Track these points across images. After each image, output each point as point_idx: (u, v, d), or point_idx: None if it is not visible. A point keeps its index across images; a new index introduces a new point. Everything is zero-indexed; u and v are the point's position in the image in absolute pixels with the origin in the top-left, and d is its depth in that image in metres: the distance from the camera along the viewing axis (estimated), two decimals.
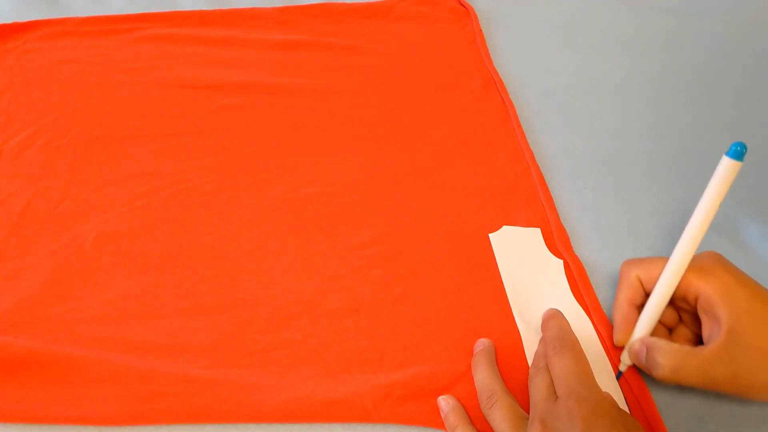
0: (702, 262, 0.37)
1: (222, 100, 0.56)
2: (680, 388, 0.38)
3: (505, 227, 0.46)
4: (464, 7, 0.67)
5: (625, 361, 0.38)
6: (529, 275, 0.44)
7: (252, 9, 0.65)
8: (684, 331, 0.39)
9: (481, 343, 0.39)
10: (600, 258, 0.45)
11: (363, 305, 0.42)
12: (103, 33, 0.62)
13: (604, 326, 0.40)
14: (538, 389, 0.35)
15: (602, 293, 0.43)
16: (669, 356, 0.35)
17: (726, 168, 0.34)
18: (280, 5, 0.66)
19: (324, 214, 0.47)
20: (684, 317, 0.39)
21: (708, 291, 0.35)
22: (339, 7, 0.66)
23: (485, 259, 0.44)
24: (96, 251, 0.44)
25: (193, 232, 0.46)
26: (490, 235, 0.46)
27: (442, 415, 0.37)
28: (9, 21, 0.62)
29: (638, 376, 0.38)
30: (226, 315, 0.41)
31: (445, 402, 0.37)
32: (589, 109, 0.57)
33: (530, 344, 0.40)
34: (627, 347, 0.38)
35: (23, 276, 0.43)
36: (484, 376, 0.37)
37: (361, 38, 0.63)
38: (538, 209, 0.48)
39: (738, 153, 0.33)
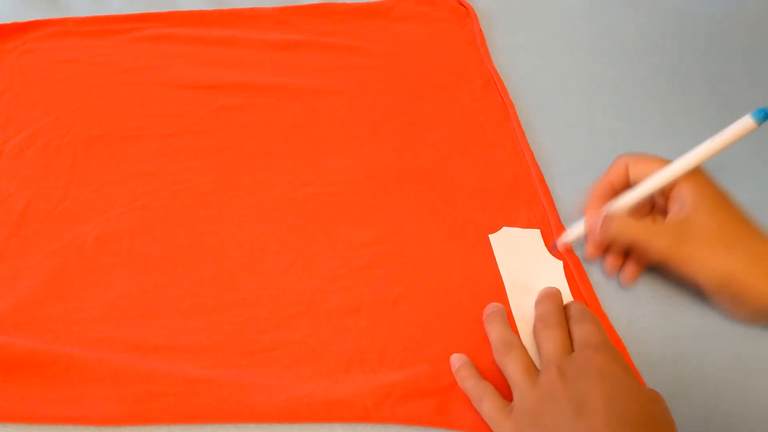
0: None
1: (222, 100, 0.56)
2: (680, 386, 0.38)
3: (504, 228, 0.46)
4: (464, 7, 0.67)
5: (570, 234, 0.43)
6: (529, 276, 0.44)
7: (252, 9, 0.65)
8: None
9: (494, 305, 0.41)
10: (600, 258, 0.45)
11: (363, 305, 0.42)
12: (103, 33, 0.62)
13: (605, 326, 0.40)
14: (551, 341, 0.36)
15: (602, 293, 0.43)
16: (621, 218, 0.40)
17: (743, 124, 0.37)
18: (280, 5, 0.66)
19: (324, 214, 0.47)
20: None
21: (682, 180, 0.39)
22: (339, 7, 0.66)
23: (485, 259, 0.44)
24: (96, 251, 0.44)
25: (193, 232, 0.46)
26: (490, 236, 0.46)
27: (453, 370, 0.38)
28: (9, 21, 0.62)
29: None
30: (226, 315, 0.41)
31: (457, 358, 0.38)
32: (589, 109, 0.57)
33: (530, 344, 0.40)
34: (581, 222, 0.43)
35: (23, 276, 0.43)
36: (500, 330, 0.39)
37: (361, 38, 0.63)
38: (538, 209, 0.48)
39: (759, 117, 0.37)
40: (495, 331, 0.39)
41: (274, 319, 0.41)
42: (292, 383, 0.37)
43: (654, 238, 0.39)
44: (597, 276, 0.44)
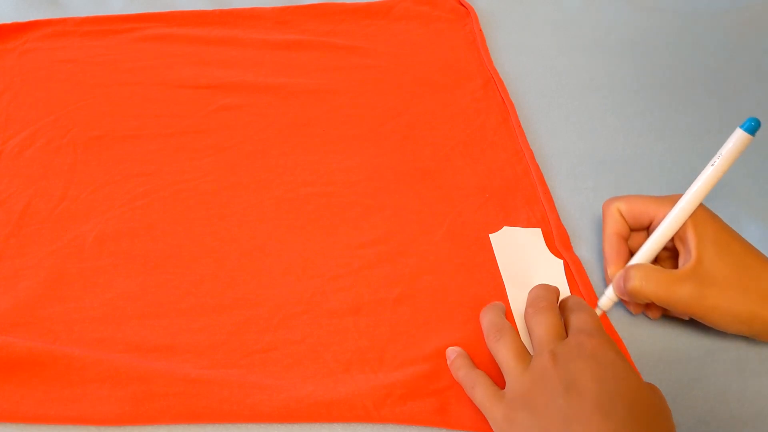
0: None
1: (222, 100, 0.56)
2: (680, 386, 0.38)
3: (505, 228, 0.46)
4: (464, 6, 0.67)
5: (604, 303, 0.41)
6: (530, 275, 0.43)
7: (252, 9, 0.65)
8: None
9: (491, 303, 0.41)
10: (600, 258, 0.45)
11: (363, 305, 0.42)
12: (103, 33, 0.62)
13: (605, 325, 0.40)
14: (544, 326, 0.36)
15: (602, 293, 0.43)
16: (641, 270, 0.39)
17: (738, 139, 0.37)
18: (280, 5, 0.66)
19: (324, 214, 0.47)
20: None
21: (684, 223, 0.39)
22: (339, 7, 0.66)
23: (485, 259, 0.44)
24: (96, 251, 0.44)
25: (193, 232, 0.46)
26: (491, 236, 0.46)
27: (449, 362, 0.39)
28: (9, 21, 0.62)
29: None
30: (226, 315, 0.41)
31: (452, 350, 0.39)
32: (589, 109, 0.57)
33: (529, 344, 0.40)
34: (612, 283, 0.40)
35: (23, 276, 0.43)
36: (493, 316, 0.39)
37: (361, 38, 0.63)
38: (538, 209, 0.48)
39: (750, 128, 0.37)
40: (487, 318, 0.40)
41: (274, 319, 0.41)
42: (292, 383, 0.37)
43: (673, 298, 0.38)
44: (597, 276, 0.44)
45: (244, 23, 0.64)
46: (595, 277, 0.44)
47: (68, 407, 0.36)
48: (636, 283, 0.38)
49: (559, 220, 0.47)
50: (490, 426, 0.35)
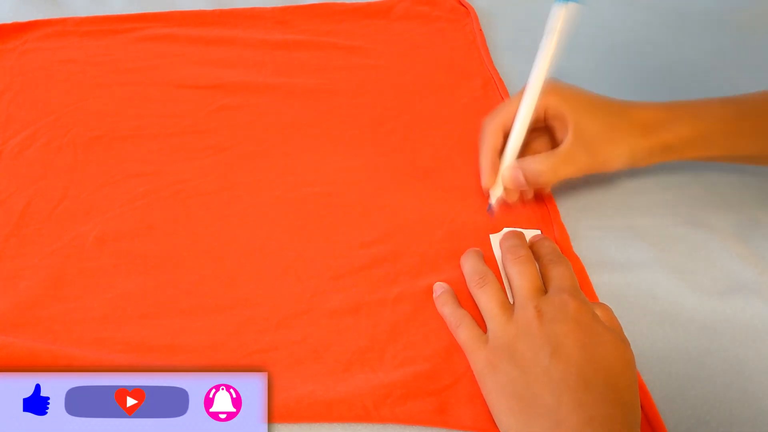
0: None
1: (222, 100, 0.56)
2: (680, 386, 0.38)
3: (505, 229, 0.46)
4: (464, 6, 0.67)
5: (496, 193, 0.45)
6: None
7: (252, 9, 0.65)
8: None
9: (470, 248, 0.44)
10: (600, 258, 0.45)
11: (363, 305, 0.42)
12: (103, 33, 0.62)
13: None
14: (525, 278, 0.38)
15: (602, 293, 0.43)
16: (543, 162, 0.43)
17: (557, 13, 0.40)
18: (280, 5, 0.66)
19: (324, 214, 0.47)
20: (537, 146, 0.47)
21: (551, 100, 0.43)
22: (339, 7, 0.66)
23: (485, 260, 0.44)
24: (96, 251, 0.44)
25: (193, 232, 0.46)
26: (491, 236, 0.46)
27: (434, 296, 0.41)
28: (9, 21, 0.62)
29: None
30: (226, 315, 0.41)
31: (439, 285, 0.42)
32: None
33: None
34: (498, 180, 0.45)
35: (23, 276, 0.43)
36: (475, 262, 0.42)
37: (361, 38, 0.63)
38: (538, 209, 0.48)
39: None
40: (469, 263, 0.42)
41: (274, 319, 0.41)
42: (292, 383, 0.37)
43: (574, 170, 0.43)
44: (597, 276, 0.44)
45: (244, 23, 0.64)
46: (595, 277, 0.44)
47: None
48: (550, 174, 0.43)
49: (560, 219, 0.47)
50: (489, 426, 0.35)
